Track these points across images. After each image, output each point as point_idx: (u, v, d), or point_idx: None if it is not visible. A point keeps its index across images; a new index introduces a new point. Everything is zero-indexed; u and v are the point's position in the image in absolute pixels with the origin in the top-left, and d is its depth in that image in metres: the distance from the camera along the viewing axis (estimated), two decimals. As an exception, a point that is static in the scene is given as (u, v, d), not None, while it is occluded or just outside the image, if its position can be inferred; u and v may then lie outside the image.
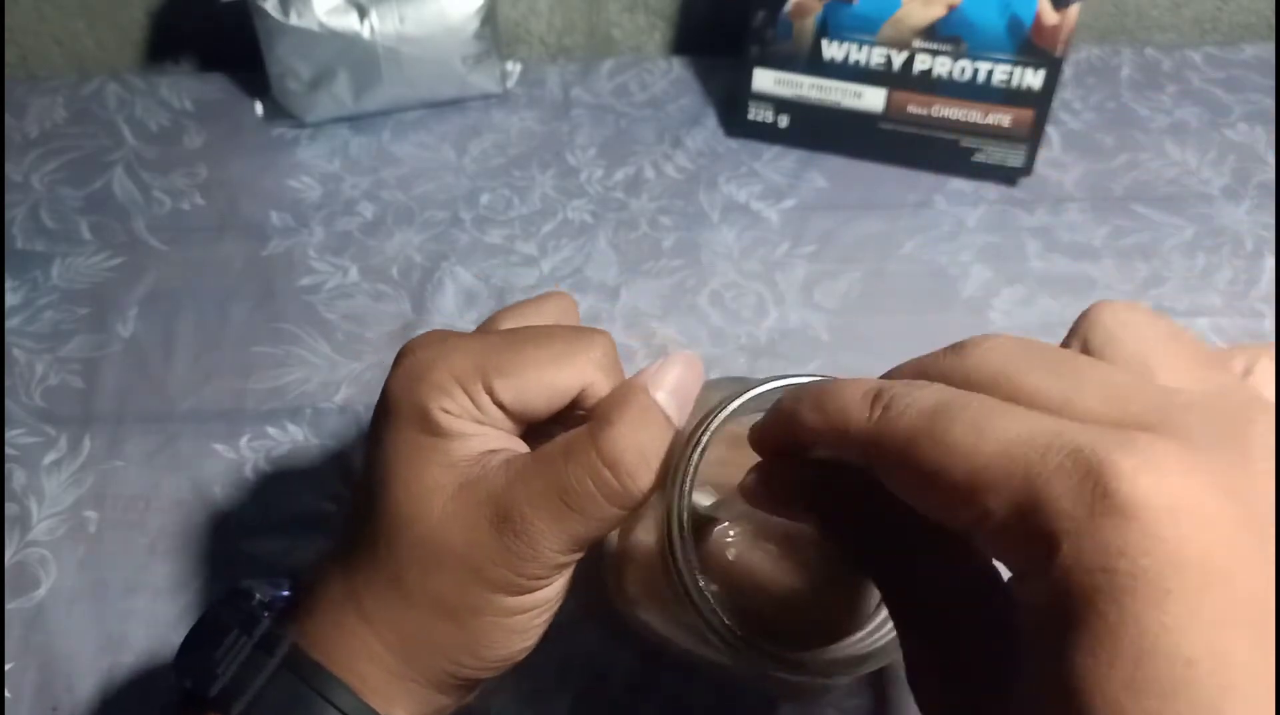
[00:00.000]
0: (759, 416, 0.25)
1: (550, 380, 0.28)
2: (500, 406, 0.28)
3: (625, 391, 0.28)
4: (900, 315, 0.53)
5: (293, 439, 0.48)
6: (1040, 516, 0.18)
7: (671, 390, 0.28)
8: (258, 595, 0.30)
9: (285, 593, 0.31)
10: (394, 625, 0.28)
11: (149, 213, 0.58)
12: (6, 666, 0.41)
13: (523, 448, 0.29)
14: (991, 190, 0.60)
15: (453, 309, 0.53)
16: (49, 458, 0.47)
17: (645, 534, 0.31)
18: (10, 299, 0.53)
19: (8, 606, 0.42)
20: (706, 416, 0.27)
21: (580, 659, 0.41)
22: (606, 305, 0.53)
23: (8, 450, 0.47)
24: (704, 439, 0.26)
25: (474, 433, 0.28)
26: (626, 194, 0.59)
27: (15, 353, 0.51)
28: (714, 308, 0.53)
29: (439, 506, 0.27)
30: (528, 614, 0.28)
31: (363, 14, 0.58)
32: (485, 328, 0.31)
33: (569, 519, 0.26)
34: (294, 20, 0.57)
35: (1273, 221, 0.58)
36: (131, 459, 0.47)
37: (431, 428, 0.27)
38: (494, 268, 0.55)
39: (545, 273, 0.55)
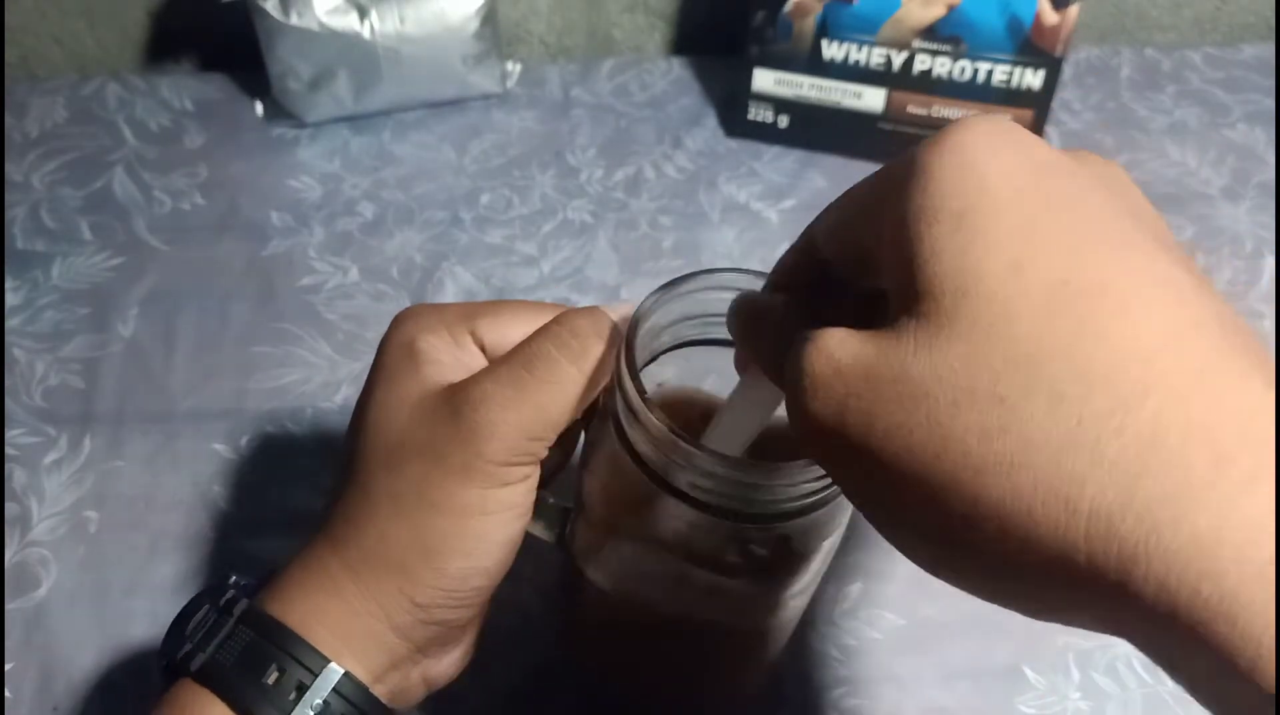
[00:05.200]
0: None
1: (530, 328, 0.30)
2: (481, 347, 0.30)
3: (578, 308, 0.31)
4: (900, 315, 0.53)
5: (293, 439, 0.48)
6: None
7: (617, 313, 0.30)
8: (234, 577, 0.31)
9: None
10: (357, 540, 0.29)
11: (149, 213, 0.58)
12: (6, 666, 0.41)
13: None
14: (991, 190, 0.60)
15: (453, 309, 0.53)
16: (49, 458, 0.47)
17: (592, 480, 0.31)
18: (10, 299, 0.53)
19: (8, 606, 0.42)
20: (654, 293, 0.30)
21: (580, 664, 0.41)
22: (606, 305, 0.53)
23: (8, 450, 0.47)
24: (651, 301, 0.29)
25: (450, 362, 0.30)
26: (626, 194, 0.59)
27: (15, 353, 0.51)
28: (714, 308, 0.53)
29: (407, 411, 0.29)
30: (488, 518, 0.29)
31: (363, 14, 0.58)
32: None
33: (529, 386, 0.28)
34: (294, 20, 0.57)
35: (1272, 221, 0.58)
36: (132, 459, 0.47)
37: (412, 354, 0.30)
38: (494, 268, 0.55)
39: (545, 273, 0.55)
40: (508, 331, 0.30)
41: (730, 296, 0.29)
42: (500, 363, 0.29)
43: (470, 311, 0.31)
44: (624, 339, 0.28)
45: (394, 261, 0.55)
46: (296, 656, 0.28)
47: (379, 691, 0.29)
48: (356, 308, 0.53)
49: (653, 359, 0.32)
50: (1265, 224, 0.58)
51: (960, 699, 0.40)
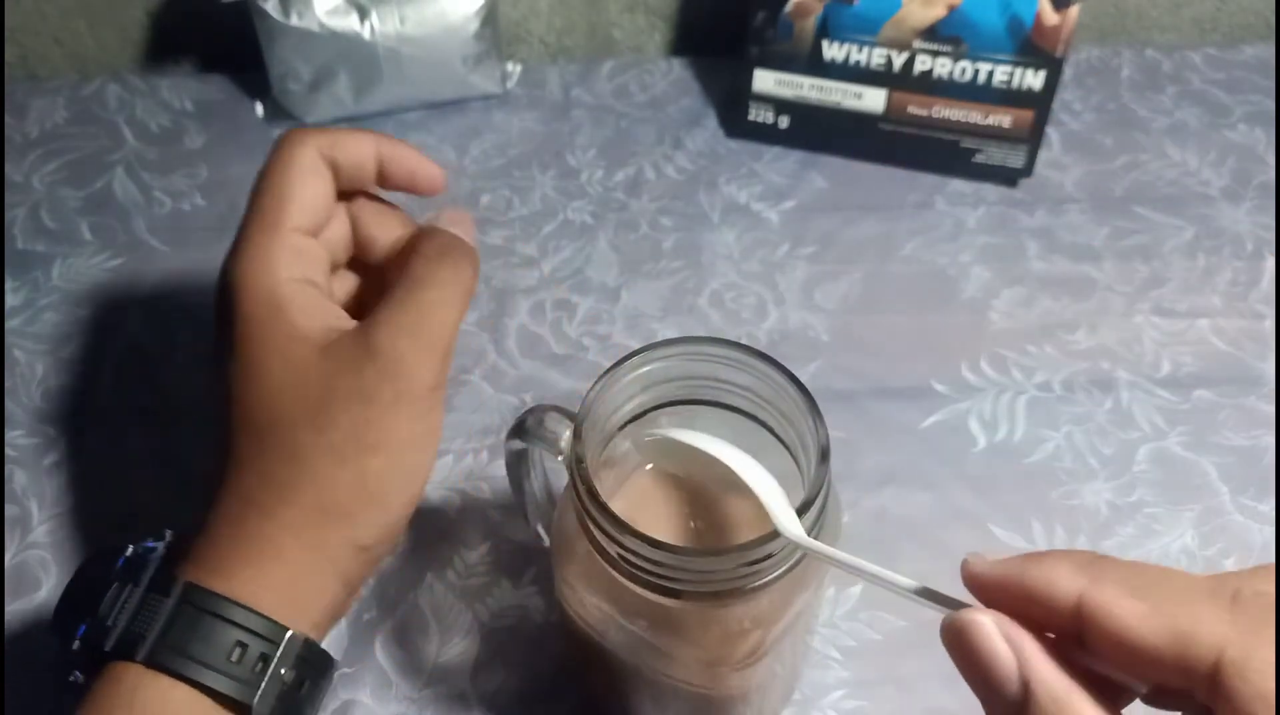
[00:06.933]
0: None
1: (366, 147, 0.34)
2: (335, 168, 0.34)
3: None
4: (900, 316, 0.53)
5: (293, 440, 0.48)
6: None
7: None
8: (131, 548, 0.31)
9: (152, 544, 0.31)
10: (293, 500, 0.29)
11: (149, 213, 0.58)
12: (6, 667, 0.41)
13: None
14: (991, 191, 0.60)
15: (453, 310, 0.53)
16: (49, 459, 0.47)
17: (566, 517, 0.32)
18: (10, 300, 0.53)
19: (8, 608, 0.42)
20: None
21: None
22: (607, 306, 0.53)
23: (8, 451, 0.47)
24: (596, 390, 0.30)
25: (316, 304, 0.32)
26: (627, 195, 0.59)
27: (16, 353, 0.51)
28: (714, 309, 0.53)
29: (315, 366, 0.31)
30: (421, 453, 0.31)
31: (363, 14, 0.58)
32: None
33: (429, 309, 0.31)
34: (294, 21, 0.57)
35: (1273, 222, 0.58)
36: (132, 460, 0.47)
37: (278, 308, 0.32)
38: (494, 269, 0.55)
39: (545, 274, 0.55)
40: (358, 151, 0.34)
41: (700, 366, 0.31)
42: (392, 298, 0.31)
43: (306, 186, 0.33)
44: (580, 416, 0.29)
45: (394, 262, 0.55)
46: (255, 630, 0.28)
47: (323, 641, 0.30)
48: (357, 308, 0.53)
49: (634, 419, 0.32)
50: (1265, 225, 0.58)
51: (963, 700, 0.40)
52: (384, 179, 0.35)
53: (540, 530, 0.37)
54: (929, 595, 0.24)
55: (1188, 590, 0.20)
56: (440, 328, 0.31)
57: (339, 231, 0.35)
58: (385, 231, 0.35)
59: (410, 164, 0.35)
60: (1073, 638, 0.21)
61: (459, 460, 0.47)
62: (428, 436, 0.31)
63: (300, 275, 0.32)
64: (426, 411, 0.31)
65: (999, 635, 0.21)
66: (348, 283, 0.37)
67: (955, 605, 0.23)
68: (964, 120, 0.58)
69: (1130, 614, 0.20)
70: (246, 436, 0.31)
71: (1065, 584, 0.21)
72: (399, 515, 0.31)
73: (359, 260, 0.37)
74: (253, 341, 0.31)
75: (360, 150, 0.34)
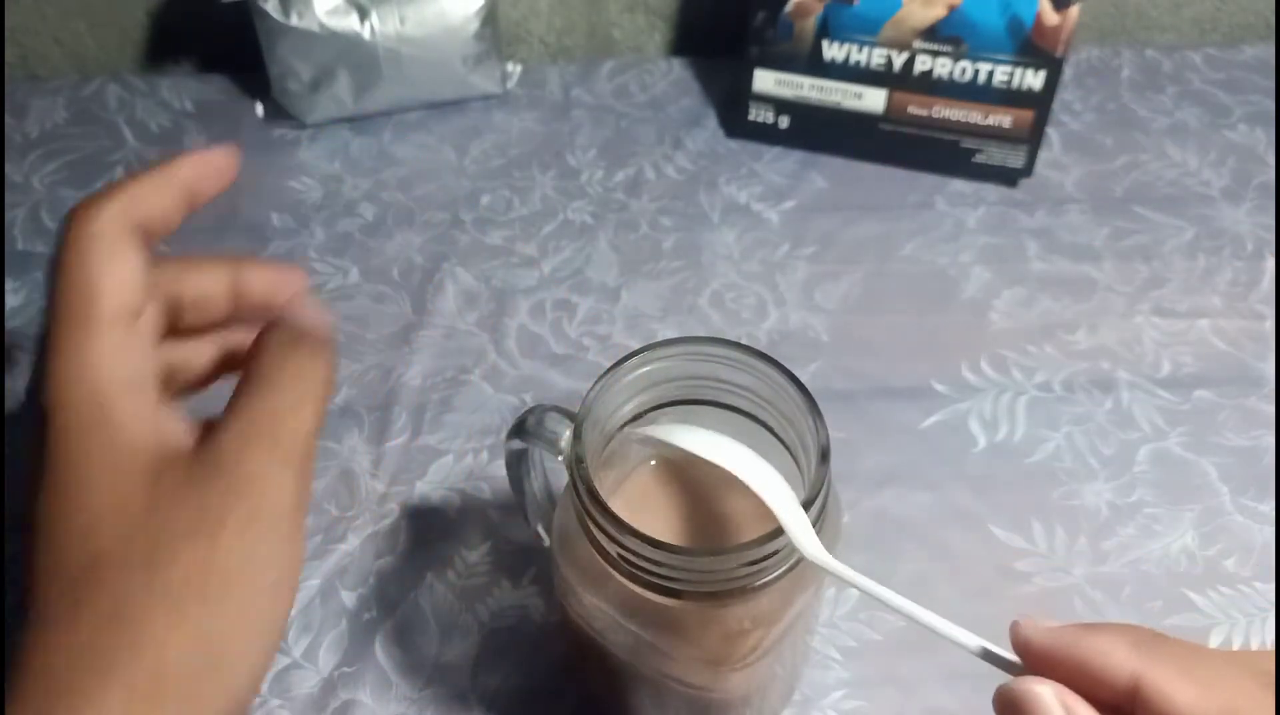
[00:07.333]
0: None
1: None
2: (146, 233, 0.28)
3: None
4: (900, 316, 0.53)
5: (293, 440, 0.48)
6: None
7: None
8: None
9: None
10: (120, 680, 0.22)
11: (149, 213, 0.58)
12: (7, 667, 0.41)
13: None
14: (992, 191, 0.60)
15: (453, 310, 0.53)
16: (49, 459, 0.47)
17: (566, 517, 0.32)
18: (11, 300, 0.53)
19: (8, 606, 0.42)
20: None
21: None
22: (607, 306, 0.53)
23: (7, 451, 0.47)
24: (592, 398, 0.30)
25: (149, 413, 0.26)
26: (627, 195, 0.59)
27: (16, 354, 0.51)
28: (714, 309, 0.53)
29: (145, 491, 0.25)
30: (275, 592, 0.25)
31: (363, 15, 0.58)
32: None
33: (282, 416, 0.25)
34: (294, 21, 0.57)
35: (1273, 223, 0.58)
36: (132, 460, 0.47)
37: (106, 418, 0.26)
38: (494, 269, 0.55)
39: (545, 274, 0.55)
40: (162, 194, 0.27)
41: (698, 366, 0.31)
42: (236, 405, 0.25)
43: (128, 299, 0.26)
44: (580, 415, 0.29)
45: (394, 262, 0.55)
46: None
47: None
48: (357, 309, 0.53)
49: (634, 419, 0.32)
50: (1266, 225, 0.58)
51: (963, 700, 0.40)
52: (197, 200, 0.29)
53: (540, 530, 0.37)
54: (985, 655, 0.24)
55: (1240, 676, 0.20)
56: (294, 436, 0.25)
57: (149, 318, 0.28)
58: (210, 284, 0.29)
59: (210, 164, 0.28)
60: (1117, 712, 0.21)
61: (459, 460, 0.47)
62: (286, 577, 0.25)
63: (124, 377, 0.26)
64: (286, 538, 0.25)
65: (1060, 709, 0.21)
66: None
67: (1008, 665, 0.23)
68: (964, 120, 0.58)
69: (1184, 697, 0.20)
70: (56, 589, 0.23)
71: (1120, 660, 0.21)
72: (245, 691, 0.24)
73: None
74: (69, 460, 0.24)
75: (163, 193, 0.28)
